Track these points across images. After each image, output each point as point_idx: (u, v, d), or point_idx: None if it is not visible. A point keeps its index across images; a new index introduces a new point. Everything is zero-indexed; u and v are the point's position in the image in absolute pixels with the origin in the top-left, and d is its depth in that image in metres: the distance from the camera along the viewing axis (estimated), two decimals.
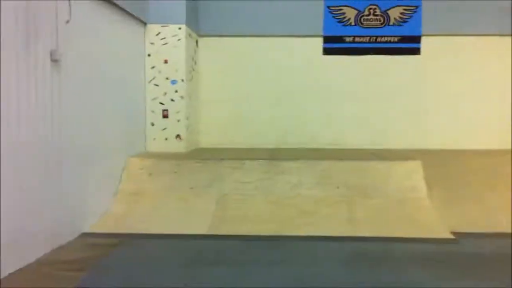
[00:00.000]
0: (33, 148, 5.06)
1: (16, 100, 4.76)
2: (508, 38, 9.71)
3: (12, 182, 4.69)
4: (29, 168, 5.00)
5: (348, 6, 9.97)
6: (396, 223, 6.55)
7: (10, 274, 4.59)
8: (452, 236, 6.12)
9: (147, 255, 5.55)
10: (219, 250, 5.69)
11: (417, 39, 9.96)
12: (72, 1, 5.76)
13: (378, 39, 10.00)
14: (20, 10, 4.84)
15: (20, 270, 4.75)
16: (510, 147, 9.54)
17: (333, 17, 9.99)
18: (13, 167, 4.70)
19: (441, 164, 7.72)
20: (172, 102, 8.81)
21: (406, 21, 9.95)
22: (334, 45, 10.04)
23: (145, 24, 8.66)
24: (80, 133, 6.10)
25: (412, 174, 7.41)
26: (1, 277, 4.47)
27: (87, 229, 6.24)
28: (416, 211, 6.85)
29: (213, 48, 10.02)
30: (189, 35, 9.14)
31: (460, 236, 6.10)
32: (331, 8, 9.97)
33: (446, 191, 7.17)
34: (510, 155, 7.92)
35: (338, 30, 10.02)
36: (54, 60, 5.46)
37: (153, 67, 8.80)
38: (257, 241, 5.95)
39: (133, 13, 7.92)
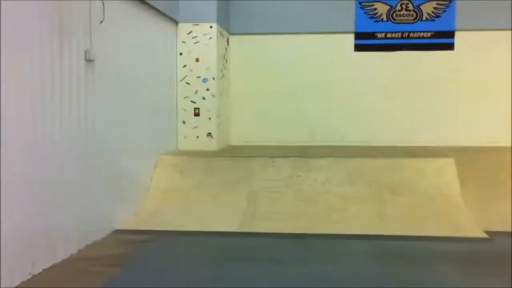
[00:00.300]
0: (67, 146, 5.17)
1: (50, 100, 4.87)
2: None
3: (46, 179, 4.80)
4: (63, 166, 5.11)
5: (380, 2, 9.89)
6: (429, 221, 6.48)
7: (44, 270, 4.70)
8: (485, 235, 6.03)
9: (178, 251, 5.62)
10: (248, 247, 5.73)
11: (450, 34, 9.80)
12: (106, 1, 5.87)
13: (411, 35, 9.88)
14: (55, 10, 4.94)
15: (54, 265, 4.86)
16: None
17: (365, 13, 9.92)
18: (47, 165, 4.82)
19: (474, 161, 7.58)
20: (204, 100, 8.90)
21: (439, 16, 9.81)
22: (365, 42, 9.97)
23: (176, 23, 8.76)
24: (112, 131, 6.22)
25: (445, 172, 7.30)
26: (35, 272, 4.57)
27: (120, 225, 6.36)
28: (449, 209, 6.76)
29: (243, 46, 10.07)
30: (220, 33, 9.20)
31: (494, 235, 5.99)
32: (363, 4, 9.90)
33: (480, 188, 7.05)
34: None
35: (369, 26, 9.94)
36: (88, 60, 5.58)
37: (184, 66, 8.90)
38: (286, 239, 5.98)
39: (165, 12, 8.02)
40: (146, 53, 7.38)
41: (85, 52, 5.53)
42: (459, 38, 9.75)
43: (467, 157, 7.70)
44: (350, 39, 9.95)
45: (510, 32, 9.53)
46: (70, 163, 5.21)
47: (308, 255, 5.40)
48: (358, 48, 10.00)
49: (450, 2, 9.71)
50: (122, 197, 6.52)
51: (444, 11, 9.77)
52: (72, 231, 5.27)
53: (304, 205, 6.94)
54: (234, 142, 10.08)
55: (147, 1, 7.20)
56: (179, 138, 8.93)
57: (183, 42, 8.89)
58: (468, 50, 9.69)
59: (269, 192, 7.23)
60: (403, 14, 9.87)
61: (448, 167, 7.35)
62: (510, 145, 9.24)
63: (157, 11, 7.73)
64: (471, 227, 6.30)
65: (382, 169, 7.44)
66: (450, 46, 9.82)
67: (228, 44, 9.90)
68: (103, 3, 5.82)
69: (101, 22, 5.81)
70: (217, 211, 6.85)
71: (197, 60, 8.90)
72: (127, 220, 6.55)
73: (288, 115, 10.00)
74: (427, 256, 5.33)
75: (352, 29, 9.94)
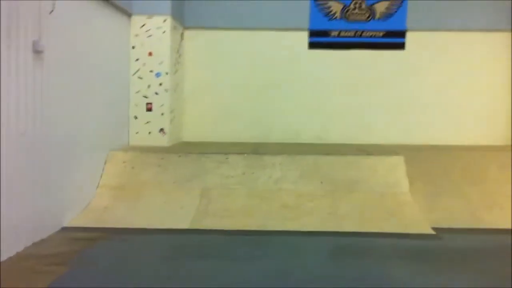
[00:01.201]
0: (15, 141, 4.99)
1: None
2: (494, 34, 9.79)
3: None
4: (10, 161, 4.93)
5: (334, 0, 9.96)
6: (379, 218, 6.59)
7: None
8: (433, 232, 6.17)
9: (129, 249, 5.52)
10: (201, 244, 5.68)
11: (402, 33, 9.98)
12: None
13: (364, 34, 10.01)
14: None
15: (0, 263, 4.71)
16: (496, 143, 9.69)
17: (319, 10, 9.97)
18: None
19: (424, 159, 7.77)
20: (156, 95, 8.76)
21: (392, 16, 9.96)
22: (319, 39, 10.02)
23: (130, 15, 8.58)
24: (62, 126, 6.03)
25: (395, 169, 7.45)
26: None
27: (68, 223, 6.19)
28: (398, 206, 6.89)
29: (198, 41, 9.96)
30: (174, 27, 9.07)
31: (441, 232, 6.16)
32: (317, 1, 9.95)
33: (428, 186, 7.23)
34: (493, 151, 8.02)
35: (324, 24, 10.00)
36: (37, 51, 5.39)
37: (137, 60, 8.73)
38: (239, 236, 5.96)
39: (118, 4, 7.83)
40: (97, 45, 7.19)
41: (33, 43, 5.34)
42: (411, 38, 9.94)
43: (418, 156, 7.87)
44: (304, 37, 10.00)
45: (461, 32, 9.80)
46: (15, 158, 5.02)
47: (262, 252, 5.40)
48: (312, 45, 10.06)
49: (402, 2, 9.89)
50: (71, 193, 6.34)
51: (396, 11, 9.93)
52: (18, 228, 5.09)
53: (257, 202, 6.93)
54: (188, 138, 9.98)
55: None
56: (131, 133, 8.76)
57: (136, 35, 8.71)
58: (419, 50, 9.90)
59: (222, 189, 7.19)
60: (357, 13, 9.99)
61: (398, 165, 7.50)
62: (461, 143, 9.52)
63: (109, 2, 7.55)
64: (419, 224, 6.44)
65: (335, 167, 7.52)
66: (401, 46, 10.00)
67: (182, 38, 9.78)
68: None
69: (50, 12, 5.62)
70: (169, 208, 6.76)
71: (150, 54, 8.74)
72: (75, 217, 6.39)
73: (242, 112, 9.98)
74: (378, 252, 5.43)
75: (307, 26, 9.98)
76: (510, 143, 9.77)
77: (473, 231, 6.28)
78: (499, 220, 6.57)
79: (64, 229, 6.05)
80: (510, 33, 9.81)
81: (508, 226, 6.38)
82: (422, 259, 5.21)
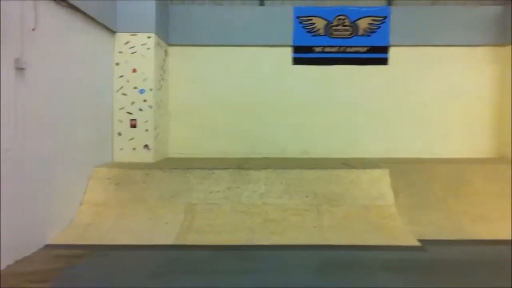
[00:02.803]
0: None
1: None
2: (475, 49, 9.95)
3: None
4: None
5: (317, 16, 10.05)
6: (365, 230, 6.60)
7: None
8: (418, 244, 6.19)
9: (113, 266, 5.45)
10: (185, 260, 5.63)
11: (385, 49, 10.09)
12: (39, 8, 5.68)
13: (347, 49, 10.10)
14: None
15: None
16: (479, 155, 9.78)
17: (303, 27, 10.05)
18: None
19: (408, 172, 7.83)
20: (140, 111, 8.74)
21: (374, 32, 10.08)
22: (303, 55, 10.10)
23: (114, 32, 8.59)
24: (44, 142, 5.99)
25: (379, 182, 7.49)
26: None
27: (52, 240, 6.12)
28: (383, 218, 6.91)
29: (182, 57, 9.99)
30: (158, 44, 9.10)
31: (426, 243, 6.18)
32: (300, 18, 10.04)
33: (413, 198, 7.28)
34: (477, 163, 8.10)
35: (307, 40, 10.09)
36: (19, 68, 5.37)
37: (121, 76, 8.72)
38: (224, 251, 5.93)
39: (101, 21, 7.84)
40: (81, 62, 7.18)
41: (15, 60, 5.32)
42: (393, 53, 10.06)
43: (402, 168, 7.93)
44: (288, 53, 10.07)
45: (443, 47, 9.93)
46: None
47: (247, 266, 5.37)
48: (296, 61, 10.13)
49: (385, 18, 10.01)
50: (54, 210, 6.28)
51: (379, 27, 10.05)
52: (0, 247, 5.01)
53: (242, 217, 6.91)
54: (172, 154, 9.95)
55: (83, 10, 7.03)
56: (115, 150, 8.71)
57: (120, 52, 8.71)
58: (402, 65, 10.01)
59: (207, 204, 7.17)
60: (340, 29, 10.09)
61: (382, 178, 7.54)
62: (444, 156, 9.60)
63: (93, 20, 7.55)
64: (404, 236, 6.46)
65: (319, 180, 7.53)
66: (384, 61, 10.11)
67: (166, 55, 9.80)
68: (35, 11, 5.63)
69: (33, 29, 5.62)
70: (153, 224, 6.72)
71: (134, 70, 8.74)
72: (59, 234, 6.32)
73: (227, 127, 9.98)
74: (365, 264, 5.43)
75: (291, 42, 10.06)
76: (492, 155, 9.88)
77: (458, 242, 6.31)
78: (483, 232, 6.60)
79: (48, 246, 5.97)
80: (491, 48, 9.97)
81: (492, 237, 6.42)
82: (409, 271, 5.22)
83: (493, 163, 8.59)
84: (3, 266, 5.06)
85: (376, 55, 10.07)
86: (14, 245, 5.30)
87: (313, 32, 10.06)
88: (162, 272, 5.18)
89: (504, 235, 6.41)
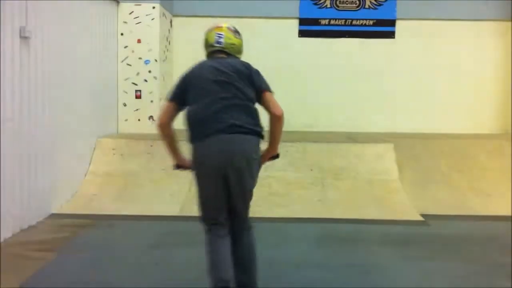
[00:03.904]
0: (2, 126, 4.94)
1: None
2: (481, 23, 9.83)
3: None
4: None
5: None
6: (369, 205, 6.62)
7: None
8: (421, 218, 6.21)
9: (118, 236, 5.51)
10: (190, 231, 5.64)
11: (391, 22, 9.99)
12: None
13: (353, 22, 10.01)
14: None
15: None
16: (483, 131, 9.76)
17: None
18: None
19: (412, 147, 7.80)
20: (145, 82, 8.71)
21: (381, 4, 9.97)
22: (310, 28, 10.02)
23: (118, 2, 8.50)
24: (50, 112, 5.98)
25: (384, 157, 7.48)
26: None
27: (57, 210, 6.16)
28: (387, 193, 6.92)
29: (187, 29, 9.88)
30: (163, 14, 9.01)
31: (429, 218, 6.20)
32: None
33: (417, 173, 7.28)
34: (481, 139, 8.08)
35: (314, 13, 9.99)
36: (23, 37, 5.33)
37: (126, 47, 8.66)
38: None
39: None
40: (85, 32, 7.13)
41: (20, 29, 5.27)
42: (400, 27, 9.96)
43: (406, 143, 7.90)
44: (295, 25, 9.98)
45: (449, 21, 9.82)
46: (3, 143, 4.98)
47: None
48: (303, 34, 10.05)
49: None
50: (59, 180, 6.30)
51: (386, 0, 9.94)
52: (6, 215, 5.05)
53: None
54: (177, 125, 9.89)
55: None
56: (120, 121, 8.70)
57: (125, 22, 8.64)
58: (408, 39, 9.91)
59: None
60: (346, 1, 9.98)
61: (387, 153, 7.52)
62: (449, 131, 9.57)
63: None
64: (408, 211, 6.48)
65: (324, 154, 7.52)
66: (391, 34, 10.01)
67: (171, 26, 9.71)
68: None
69: None
70: (158, 195, 6.74)
71: (138, 41, 8.68)
72: (64, 204, 6.37)
73: None
74: (368, 238, 5.44)
75: (297, 14, 9.96)
76: (497, 131, 9.85)
77: (460, 217, 6.32)
78: (487, 207, 6.62)
79: (53, 215, 6.02)
80: (498, 22, 9.85)
81: (495, 213, 6.43)
82: (411, 245, 5.24)
83: (498, 138, 8.56)
84: (8, 234, 5.10)
85: (383, 28, 9.98)
86: (20, 214, 5.34)
87: (320, 4, 9.96)
88: (166, 243, 5.23)
89: (508, 211, 6.41)
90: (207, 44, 3.63)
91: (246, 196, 3.48)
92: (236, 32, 3.75)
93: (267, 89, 3.56)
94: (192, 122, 3.43)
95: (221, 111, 3.31)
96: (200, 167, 3.40)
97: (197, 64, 3.55)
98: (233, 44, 3.66)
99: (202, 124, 3.34)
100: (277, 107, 3.50)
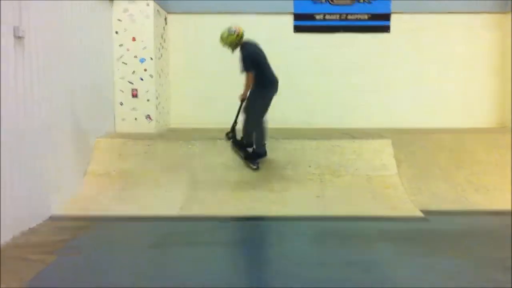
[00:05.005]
0: None
1: None
2: (476, 16, 9.83)
3: None
4: None
5: None
6: (367, 201, 6.63)
7: None
8: (421, 214, 6.22)
9: (117, 237, 5.50)
10: (190, 231, 5.66)
11: (386, 16, 9.97)
12: None
13: (348, 17, 9.98)
14: None
15: None
16: (481, 125, 9.78)
17: None
18: None
19: (410, 142, 7.80)
20: (141, 81, 8.66)
21: None
22: (305, 23, 9.99)
23: (112, 0, 8.44)
24: (46, 113, 5.93)
25: (382, 152, 7.48)
26: None
27: (56, 212, 6.12)
28: (386, 189, 6.93)
29: (182, 26, 9.86)
30: (158, 11, 8.96)
31: (429, 214, 6.20)
32: None
33: (415, 168, 7.29)
34: (480, 133, 8.08)
35: (308, 8, 9.96)
36: (17, 37, 5.28)
37: (121, 45, 8.61)
38: (228, 222, 5.96)
39: None
40: (80, 31, 7.06)
41: (14, 29, 5.22)
42: (395, 21, 9.94)
43: (404, 139, 7.90)
44: (289, 20, 9.95)
45: (444, 15, 9.82)
46: (1, 145, 4.93)
47: (250, 237, 5.41)
48: (297, 29, 10.02)
49: None
50: (58, 182, 6.26)
51: None
52: (6, 218, 5.01)
53: (245, 187, 6.92)
54: (174, 124, 9.91)
55: None
56: (117, 120, 8.66)
57: (119, 20, 8.58)
58: (404, 33, 9.90)
59: (210, 175, 7.15)
60: None
61: (385, 148, 7.53)
62: (447, 126, 9.58)
63: None
64: (407, 206, 6.49)
65: (322, 151, 7.52)
66: (386, 29, 10.00)
67: (166, 23, 9.66)
68: None
69: None
70: (157, 195, 6.71)
71: (133, 39, 8.63)
72: (63, 205, 6.31)
73: (228, 97, 9.86)
74: (367, 235, 5.44)
75: (292, 10, 9.93)
76: (494, 125, 9.87)
77: (460, 212, 6.34)
78: (486, 202, 6.64)
79: (52, 217, 5.98)
80: (492, 15, 9.87)
81: (494, 208, 6.45)
82: (411, 241, 5.24)
83: (495, 132, 8.58)
84: (9, 237, 5.07)
85: (378, 23, 9.96)
86: (19, 217, 5.30)
87: None
88: (166, 243, 5.21)
89: (507, 205, 6.42)
90: (241, 36, 7.42)
91: None
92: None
93: None
94: (262, 77, 7.12)
95: (272, 73, 7.29)
96: (267, 95, 7.23)
97: (250, 45, 7.42)
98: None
99: (268, 78, 7.23)
100: None
